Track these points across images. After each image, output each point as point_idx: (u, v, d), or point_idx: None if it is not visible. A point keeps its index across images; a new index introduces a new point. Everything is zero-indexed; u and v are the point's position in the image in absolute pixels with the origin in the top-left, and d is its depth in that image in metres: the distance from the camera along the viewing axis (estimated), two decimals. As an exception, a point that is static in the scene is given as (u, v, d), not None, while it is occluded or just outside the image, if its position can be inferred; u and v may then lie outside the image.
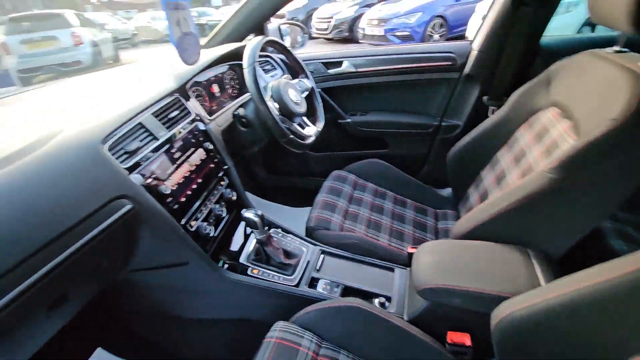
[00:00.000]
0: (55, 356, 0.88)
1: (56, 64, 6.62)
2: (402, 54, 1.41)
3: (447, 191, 1.34)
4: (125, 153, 0.69)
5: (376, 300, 0.84)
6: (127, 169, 0.68)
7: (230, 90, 1.23)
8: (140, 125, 0.76)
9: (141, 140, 0.74)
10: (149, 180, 0.71)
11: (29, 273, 0.49)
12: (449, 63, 1.36)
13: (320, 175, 1.28)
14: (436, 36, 5.93)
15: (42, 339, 0.64)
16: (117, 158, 0.67)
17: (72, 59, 6.75)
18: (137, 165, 0.70)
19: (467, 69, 1.36)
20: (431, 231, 1.13)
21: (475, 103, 1.38)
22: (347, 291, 0.87)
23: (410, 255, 0.82)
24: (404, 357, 0.69)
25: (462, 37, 5.71)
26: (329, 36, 7.62)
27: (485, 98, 1.35)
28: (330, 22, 7.58)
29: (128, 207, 0.64)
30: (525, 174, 0.81)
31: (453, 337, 0.69)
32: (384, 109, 1.51)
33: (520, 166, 0.87)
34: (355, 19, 7.37)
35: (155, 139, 0.78)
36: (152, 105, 0.81)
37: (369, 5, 7.34)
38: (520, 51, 1.26)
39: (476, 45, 1.33)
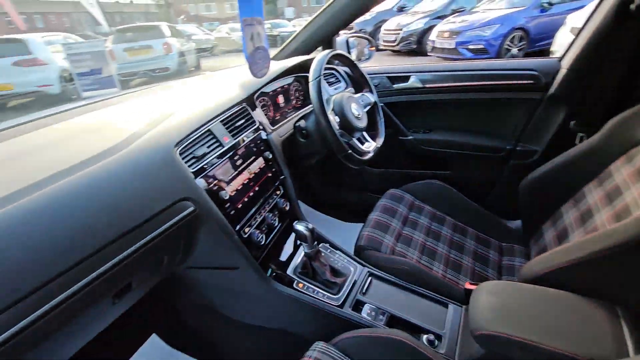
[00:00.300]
0: (115, 337, 0.97)
1: (149, 70, 7.55)
2: (475, 70, 1.32)
3: (516, 224, 1.20)
4: (193, 158, 0.74)
5: (424, 337, 0.77)
6: (193, 172, 0.72)
7: (295, 102, 1.26)
8: (209, 132, 0.81)
9: (208, 147, 0.79)
10: (211, 185, 0.75)
11: (101, 263, 0.54)
12: (531, 82, 1.22)
13: (375, 192, 1.25)
14: (514, 50, 5.50)
15: (106, 322, 0.70)
16: (185, 162, 0.72)
17: (162, 66, 7.63)
18: (202, 170, 0.75)
19: (552, 89, 1.21)
20: (493, 267, 1.02)
21: (558, 128, 1.22)
22: (393, 321, 0.82)
23: (468, 292, 0.74)
24: None
25: (544, 52, 5.21)
26: (396, 48, 7.52)
27: (572, 123, 1.19)
28: (398, 34, 7.49)
29: (191, 209, 0.68)
30: (621, 217, 0.69)
31: (510, 394, 0.60)
32: (450, 128, 1.42)
33: (613, 206, 0.74)
34: (425, 31, 7.18)
35: (221, 145, 0.82)
36: (221, 113, 0.86)
37: (441, 17, 7.10)
38: (622, 72, 1.09)
39: (566, 63, 1.18)
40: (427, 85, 1.35)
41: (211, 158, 0.78)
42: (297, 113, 1.21)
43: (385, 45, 7.88)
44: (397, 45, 7.50)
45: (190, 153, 0.74)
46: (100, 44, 5.63)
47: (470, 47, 5.70)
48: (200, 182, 0.73)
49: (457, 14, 6.92)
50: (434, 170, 1.44)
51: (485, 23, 5.63)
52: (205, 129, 0.80)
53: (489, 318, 0.62)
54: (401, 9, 8.86)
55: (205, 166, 0.76)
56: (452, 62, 1.50)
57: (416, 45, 7.29)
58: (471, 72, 1.30)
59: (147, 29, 8.08)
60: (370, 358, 0.67)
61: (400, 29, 7.50)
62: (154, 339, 1.09)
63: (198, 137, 0.78)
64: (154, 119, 0.77)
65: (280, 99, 1.18)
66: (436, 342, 0.76)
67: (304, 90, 1.31)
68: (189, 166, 0.72)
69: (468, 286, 0.78)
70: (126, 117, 0.88)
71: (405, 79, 1.39)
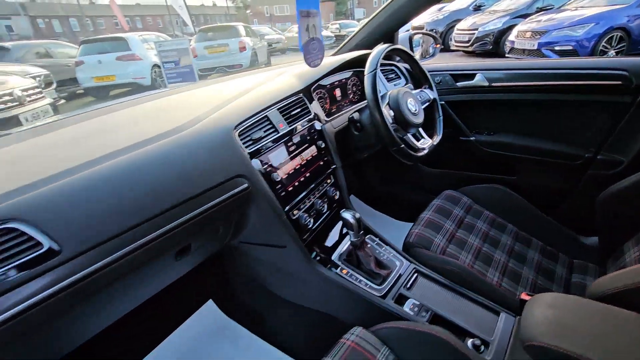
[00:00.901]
0: (176, 299, 1.09)
1: (224, 66, 8.17)
2: (552, 68, 1.19)
3: (591, 240, 1.08)
4: (250, 140, 0.80)
5: (470, 341, 0.74)
6: (249, 153, 0.78)
7: (351, 96, 1.28)
8: (267, 118, 0.87)
9: (264, 131, 0.85)
10: (265, 167, 0.81)
11: (167, 222, 0.62)
12: (619, 83, 1.07)
13: (431, 193, 1.20)
14: (612, 52, 4.82)
15: (169, 278, 0.80)
16: (243, 143, 0.78)
17: (236, 63, 8.20)
18: (257, 152, 0.81)
19: None
20: (559, 283, 0.93)
21: None
22: (437, 320, 0.79)
23: (524, 302, 0.69)
24: None
25: (652, 54, 4.48)
26: (470, 49, 7.09)
27: None
28: (473, 34, 7.05)
29: (245, 185, 0.74)
30: None
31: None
32: (518, 130, 1.31)
33: None
34: (504, 32, 6.66)
35: (276, 131, 0.87)
36: (279, 102, 0.92)
37: (524, 17, 6.51)
38: None
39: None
40: (495, 84, 1.26)
41: (266, 142, 0.84)
42: (352, 107, 1.23)
43: (457, 46, 7.48)
44: (471, 46, 7.06)
45: (248, 136, 0.81)
46: (185, 42, 6.24)
47: (557, 48, 5.12)
48: (255, 162, 0.79)
49: (542, 12, 6.28)
50: (497, 175, 1.35)
51: (576, 22, 5.01)
52: (263, 115, 0.86)
53: (543, 329, 0.58)
54: (478, 8, 8.32)
55: (260, 149, 0.82)
56: (527, 61, 1.38)
57: (492, 46, 6.80)
58: (547, 71, 1.18)
59: (225, 29, 8.74)
60: (410, 351, 0.66)
61: (475, 29, 7.05)
62: (211, 306, 1.20)
63: (256, 122, 0.84)
64: (217, 103, 0.86)
65: (338, 92, 1.21)
66: (482, 347, 0.73)
67: (362, 85, 1.32)
68: (246, 147, 0.79)
69: (524, 296, 0.73)
70: (194, 101, 0.99)
71: (471, 77, 1.31)
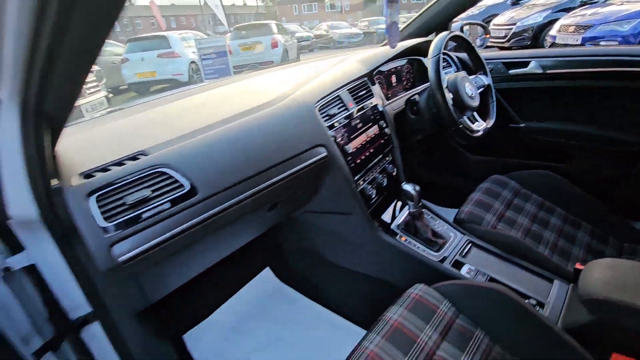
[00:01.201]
0: (238, 264, 1.21)
1: (257, 62, 8.42)
2: (607, 55, 1.21)
3: None
4: (327, 115, 0.90)
5: (526, 301, 0.80)
6: (327, 127, 0.88)
7: (405, 83, 1.35)
8: (338, 98, 0.96)
9: (338, 109, 0.94)
10: (339, 139, 0.91)
11: (262, 182, 0.72)
12: None
13: (475, 181, 1.25)
14: (663, 48, 4.53)
15: (263, 227, 0.91)
16: (322, 117, 0.88)
17: (268, 59, 8.42)
18: (332, 126, 0.90)
19: None
20: (609, 260, 0.96)
21: None
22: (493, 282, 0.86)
23: (578, 271, 0.74)
24: None
25: None
26: (506, 45, 6.88)
27: None
28: (510, 29, 6.84)
29: (324, 154, 0.84)
30: None
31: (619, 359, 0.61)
32: (569, 118, 1.33)
33: None
34: (544, 26, 6.41)
35: (347, 109, 0.97)
36: (348, 83, 1.01)
37: (567, 10, 6.24)
38: None
39: None
40: (549, 72, 1.29)
41: (339, 118, 0.93)
42: (406, 93, 1.30)
43: (493, 41, 7.27)
44: (508, 41, 6.85)
45: (325, 111, 0.90)
46: (223, 40, 6.52)
47: (602, 43, 4.89)
48: (331, 134, 0.89)
49: (587, 6, 6.00)
50: (547, 162, 1.37)
51: (623, 17, 4.77)
52: (336, 95, 0.96)
53: (603, 285, 0.63)
54: (516, 2, 8.04)
55: (334, 124, 0.91)
56: (583, 48, 1.39)
57: (530, 42, 6.56)
58: (602, 58, 1.20)
59: (259, 27, 8.99)
60: (472, 305, 0.72)
61: (513, 24, 6.82)
62: (267, 272, 1.32)
63: (330, 100, 0.94)
64: (296, 84, 0.96)
65: (393, 79, 1.29)
66: (538, 308, 0.78)
67: (415, 72, 1.39)
68: (324, 121, 0.88)
69: (579, 266, 0.78)
70: (271, 83, 1.10)
71: (524, 64, 1.35)
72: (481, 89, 1.19)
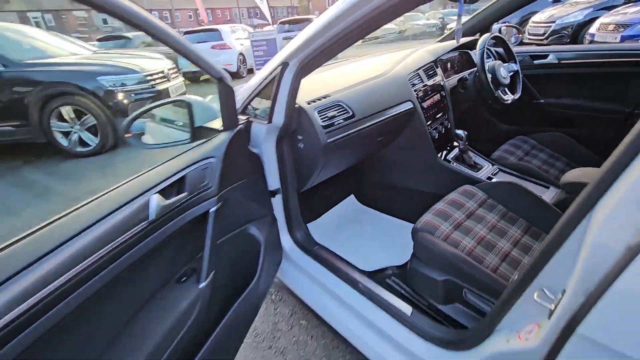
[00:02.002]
0: (328, 191, 1.78)
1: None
2: (606, 50, 1.69)
3: None
4: (412, 84, 1.47)
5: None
6: (413, 90, 1.45)
7: (456, 68, 1.88)
8: (417, 74, 1.52)
9: (418, 81, 1.50)
10: (418, 99, 1.47)
11: (382, 116, 1.30)
12: None
13: (500, 144, 1.73)
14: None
15: (374, 151, 1.49)
16: (411, 84, 1.45)
17: (310, 52, 9.01)
18: (415, 90, 1.47)
19: None
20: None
21: None
22: None
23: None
24: None
25: None
26: (545, 42, 7.04)
27: None
28: (549, 27, 6.99)
29: (411, 106, 1.41)
30: None
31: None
32: (576, 95, 1.82)
33: None
34: (584, 24, 6.54)
35: (422, 82, 1.53)
36: (423, 66, 1.57)
37: (609, 8, 6.35)
38: None
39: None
40: (562, 62, 1.79)
41: (418, 86, 1.49)
42: (456, 75, 1.83)
43: (531, 39, 7.43)
44: (546, 39, 7.00)
45: (411, 81, 1.47)
46: (274, 33, 7.14)
47: (641, 41, 5.09)
48: (415, 95, 1.45)
49: (630, 4, 6.10)
50: (559, 128, 1.87)
51: (666, 14, 4.94)
52: (416, 72, 1.52)
53: (573, 175, 1.16)
54: (557, 0, 8.10)
55: (416, 90, 1.48)
56: (587, 45, 1.87)
57: (569, 40, 6.69)
58: (602, 52, 1.68)
59: (301, 21, 9.58)
60: (497, 193, 1.26)
61: (553, 22, 6.96)
62: (352, 198, 1.91)
63: (413, 75, 1.50)
64: (391, 65, 1.53)
65: (448, 65, 1.83)
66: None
67: (463, 62, 1.91)
68: (412, 86, 1.45)
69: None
70: (377, 63, 1.65)
71: (544, 57, 1.85)
72: (511, 73, 1.71)
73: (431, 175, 1.56)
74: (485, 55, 1.57)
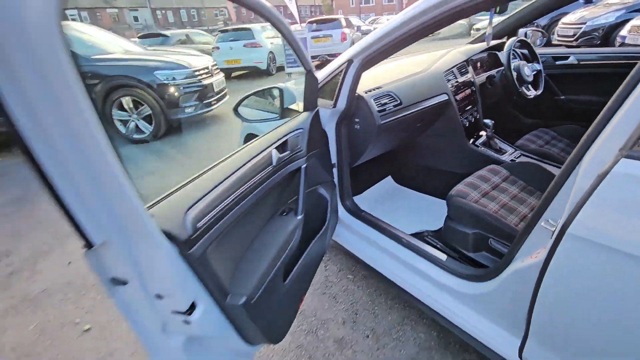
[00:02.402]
0: (368, 172, 2.07)
1: (326, 54, 9.34)
2: (621, 52, 1.91)
3: None
4: (447, 79, 1.74)
5: None
6: (449, 85, 1.72)
7: (484, 67, 2.14)
8: (451, 71, 1.80)
9: (452, 77, 1.77)
10: (452, 92, 1.74)
11: (422, 105, 1.59)
12: None
13: (523, 135, 1.97)
14: None
15: (414, 137, 1.79)
16: (447, 80, 1.72)
17: (336, 51, 9.29)
18: (450, 85, 1.74)
19: None
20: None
21: None
22: None
23: None
24: None
25: None
26: (574, 44, 7.02)
27: None
28: (580, 28, 6.97)
29: (446, 97, 1.68)
30: None
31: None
32: (595, 92, 2.03)
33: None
34: (616, 26, 6.50)
35: (456, 78, 1.80)
36: (457, 64, 1.84)
37: (641, 10, 6.30)
38: None
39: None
40: (582, 62, 2.01)
41: (453, 82, 1.76)
42: (483, 74, 2.08)
43: (560, 41, 7.40)
44: (576, 40, 6.98)
45: (447, 77, 1.74)
46: (305, 32, 7.46)
47: (672, 44, 5.09)
48: (449, 89, 1.73)
49: (665, 5, 6.04)
50: (577, 122, 2.09)
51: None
52: (450, 70, 1.79)
53: None
54: (589, 1, 8.01)
55: (451, 85, 1.75)
56: (603, 48, 2.08)
57: (600, 42, 6.66)
58: (617, 54, 1.90)
59: (329, 20, 9.86)
60: (518, 171, 1.51)
61: (583, 23, 6.93)
62: (388, 179, 2.20)
63: (448, 72, 1.77)
64: (429, 63, 1.80)
65: (478, 65, 2.08)
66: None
67: (490, 62, 2.16)
68: (447, 82, 1.73)
69: None
70: (417, 62, 1.93)
71: (565, 58, 2.07)
72: (535, 72, 1.95)
73: (461, 158, 1.83)
74: (511, 56, 1.82)
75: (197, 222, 0.71)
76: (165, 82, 4.04)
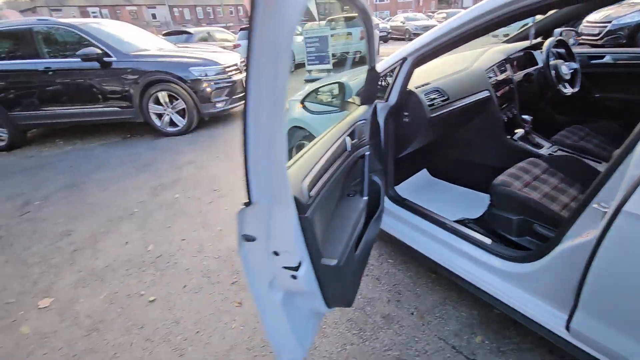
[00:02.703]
0: (405, 165, 2.17)
1: (345, 52, 9.43)
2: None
3: None
4: (489, 76, 1.84)
5: None
6: (490, 82, 1.82)
7: (520, 66, 2.22)
8: (492, 69, 1.89)
9: (493, 74, 1.87)
10: (492, 89, 1.84)
11: (466, 101, 1.69)
12: None
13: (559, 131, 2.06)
14: None
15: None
16: (488, 77, 1.82)
17: (355, 49, 9.38)
18: (491, 82, 1.84)
19: None
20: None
21: None
22: None
23: None
24: None
25: None
26: (599, 42, 6.93)
27: None
28: (605, 27, 6.87)
29: (487, 93, 1.78)
30: None
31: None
32: (629, 91, 2.09)
33: None
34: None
35: (495, 75, 1.89)
36: (495, 63, 1.93)
37: (671, 9, 6.19)
38: None
39: None
40: (617, 62, 2.07)
41: (493, 78, 1.86)
42: (519, 72, 2.17)
43: (584, 39, 7.30)
44: (601, 39, 6.89)
45: (488, 74, 1.84)
46: (327, 30, 7.53)
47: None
48: (491, 85, 1.83)
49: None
50: (611, 119, 2.15)
51: None
52: (491, 68, 1.89)
53: None
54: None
55: (491, 82, 1.85)
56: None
57: (626, 40, 6.56)
58: None
59: (349, 19, 9.94)
60: (558, 164, 1.60)
61: (608, 22, 6.83)
62: (424, 172, 2.31)
63: (489, 69, 1.87)
64: (470, 61, 1.90)
65: (514, 63, 2.17)
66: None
67: (525, 60, 2.24)
68: (489, 78, 1.82)
69: None
70: (460, 60, 2.02)
71: (601, 57, 2.14)
72: (571, 70, 2.03)
73: (499, 152, 1.92)
74: (550, 56, 1.90)
75: (310, 191, 0.85)
76: (199, 77, 4.21)
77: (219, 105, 4.43)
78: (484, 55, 1.97)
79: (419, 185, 2.19)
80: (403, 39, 17.33)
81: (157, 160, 3.71)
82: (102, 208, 2.80)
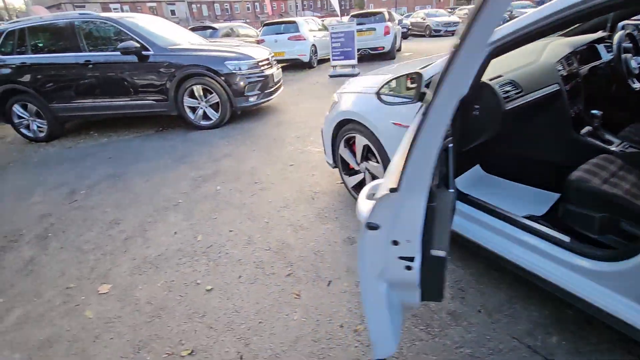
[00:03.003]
0: (459, 161, 2.11)
1: (369, 48, 9.35)
2: None
3: None
4: (558, 69, 1.77)
5: None
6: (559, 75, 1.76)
7: (582, 59, 2.14)
8: (560, 62, 1.82)
9: (562, 67, 1.80)
10: (561, 81, 1.77)
11: (532, 97, 1.63)
12: None
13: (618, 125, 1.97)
14: None
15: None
16: (557, 70, 1.76)
17: (380, 45, 9.28)
18: (560, 75, 1.77)
19: None
20: None
21: None
22: None
23: None
24: None
25: None
26: None
27: None
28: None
29: (557, 87, 1.72)
30: None
31: None
32: None
33: None
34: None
35: (564, 68, 1.83)
36: (563, 56, 1.86)
37: None
38: None
39: None
40: None
41: (562, 72, 1.80)
42: (583, 66, 2.09)
43: None
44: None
45: (557, 67, 1.77)
46: (353, 25, 7.44)
47: None
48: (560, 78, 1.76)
49: None
50: None
51: None
52: (559, 61, 1.82)
53: None
54: None
55: (560, 74, 1.78)
56: None
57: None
58: None
59: (373, 14, 9.84)
60: (638, 164, 1.53)
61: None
62: (477, 168, 2.26)
63: (558, 62, 1.80)
64: (539, 53, 1.84)
65: (577, 57, 2.09)
66: None
67: (587, 54, 2.16)
68: (557, 72, 1.76)
69: None
70: (524, 54, 1.95)
71: None
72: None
73: (565, 148, 1.85)
74: (622, 49, 1.82)
75: (432, 180, 0.83)
76: (233, 71, 4.23)
77: (251, 99, 4.45)
78: (548, 47, 1.90)
79: (473, 181, 2.14)
80: (423, 36, 17.10)
81: (193, 153, 3.75)
82: (147, 198, 2.85)
